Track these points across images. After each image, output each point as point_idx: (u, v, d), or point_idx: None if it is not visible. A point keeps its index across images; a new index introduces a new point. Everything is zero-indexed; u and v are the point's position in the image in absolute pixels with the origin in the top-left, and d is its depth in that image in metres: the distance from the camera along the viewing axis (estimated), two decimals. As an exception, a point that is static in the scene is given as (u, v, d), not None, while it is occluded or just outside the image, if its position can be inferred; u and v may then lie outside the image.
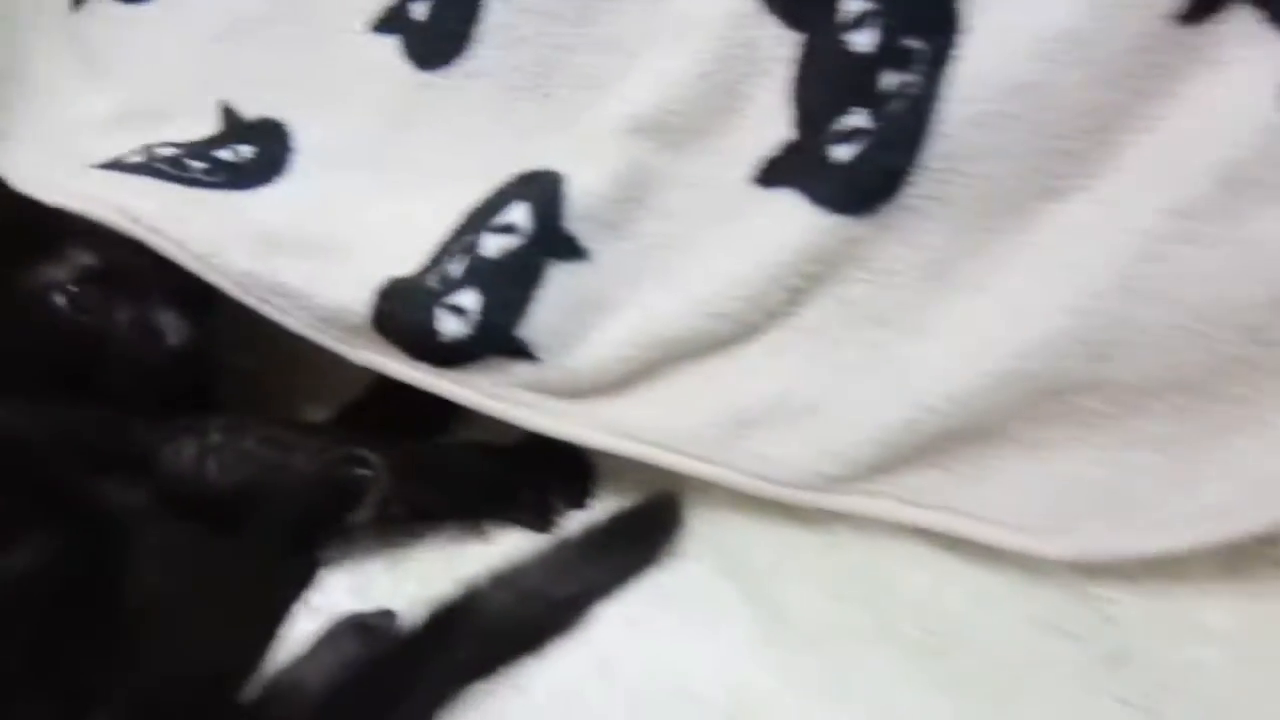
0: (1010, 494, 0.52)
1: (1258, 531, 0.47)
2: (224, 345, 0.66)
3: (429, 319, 0.58)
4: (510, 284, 0.58)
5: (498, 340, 0.58)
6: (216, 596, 0.45)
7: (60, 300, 0.59)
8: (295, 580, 0.47)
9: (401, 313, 0.58)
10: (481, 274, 0.58)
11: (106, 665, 0.40)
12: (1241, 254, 0.47)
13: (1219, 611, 0.49)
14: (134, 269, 0.60)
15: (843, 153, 0.54)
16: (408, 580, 0.61)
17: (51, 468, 0.46)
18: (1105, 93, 0.49)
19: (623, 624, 0.57)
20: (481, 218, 0.61)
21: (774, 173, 0.56)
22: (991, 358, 0.50)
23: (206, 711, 0.44)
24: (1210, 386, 0.49)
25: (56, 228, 0.59)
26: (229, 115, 0.71)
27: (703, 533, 0.60)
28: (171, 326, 0.60)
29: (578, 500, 0.64)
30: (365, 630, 0.55)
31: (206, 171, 0.66)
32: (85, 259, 0.60)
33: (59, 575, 0.41)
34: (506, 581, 0.56)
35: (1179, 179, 0.48)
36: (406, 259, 0.61)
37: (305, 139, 0.68)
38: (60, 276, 0.59)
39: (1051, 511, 0.52)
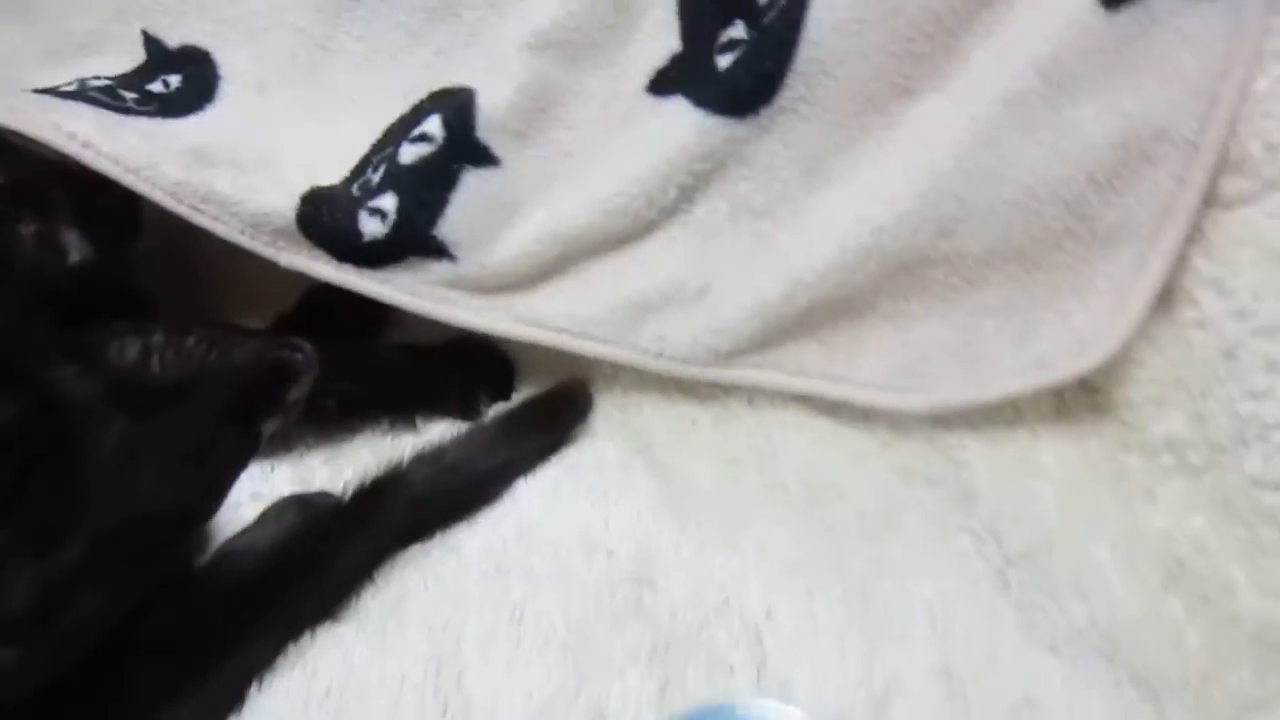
0: (876, 360, 0.59)
1: (1078, 377, 0.54)
2: (149, 269, 0.71)
3: (352, 222, 0.63)
4: (425, 188, 0.63)
5: (417, 240, 0.63)
6: (167, 458, 0.50)
7: None
8: (239, 448, 0.53)
9: (326, 216, 0.63)
10: (398, 179, 0.63)
11: (70, 510, 0.45)
12: (1061, 138, 0.54)
13: (1050, 451, 0.57)
14: (42, 189, 0.63)
15: (725, 61, 0.60)
16: (345, 470, 0.67)
17: (7, 349, 0.51)
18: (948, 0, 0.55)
19: (542, 495, 0.63)
20: (399, 131, 0.66)
21: (664, 81, 0.62)
22: (853, 235, 0.57)
23: (159, 554, 0.50)
24: (1039, 256, 0.56)
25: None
26: (151, 44, 0.74)
27: (611, 415, 0.67)
28: (74, 245, 0.63)
29: (501, 393, 0.70)
30: (305, 505, 0.61)
31: (138, 101, 0.70)
32: None
33: (25, 433, 0.46)
34: (430, 458, 0.62)
35: (1010, 74, 0.54)
36: (331, 172, 0.65)
37: (230, 66, 0.72)
38: None
39: (911, 373, 0.59)
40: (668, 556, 0.59)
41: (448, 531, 0.62)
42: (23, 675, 0.44)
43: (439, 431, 0.68)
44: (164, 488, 0.49)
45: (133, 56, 0.74)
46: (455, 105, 0.65)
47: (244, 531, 0.58)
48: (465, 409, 0.68)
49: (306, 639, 0.55)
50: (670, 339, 0.62)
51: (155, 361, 0.61)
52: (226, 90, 0.72)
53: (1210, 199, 0.53)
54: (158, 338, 0.62)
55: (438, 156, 0.64)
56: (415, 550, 0.61)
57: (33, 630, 0.44)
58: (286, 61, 0.71)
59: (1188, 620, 0.51)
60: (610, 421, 0.66)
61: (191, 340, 0.62)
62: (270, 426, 0.55)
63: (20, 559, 0.43)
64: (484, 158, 0.64)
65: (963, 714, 0.51)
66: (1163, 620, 0.52)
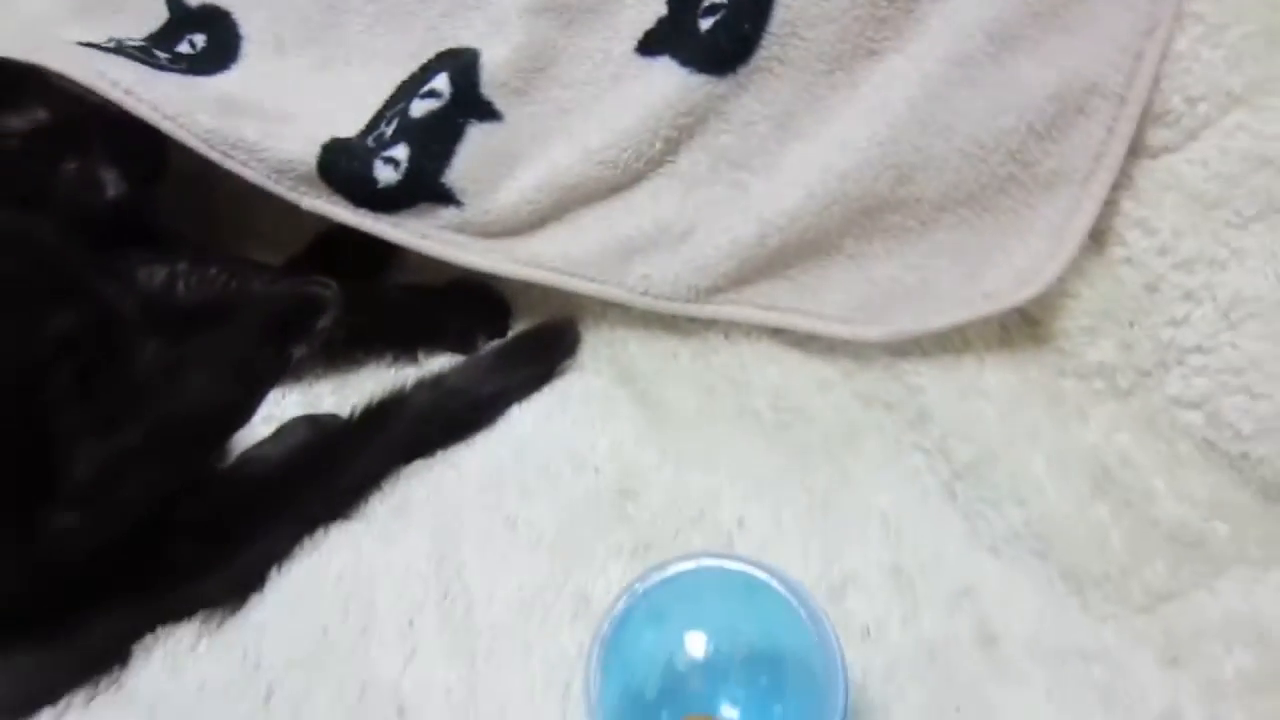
0: (841, 296, 0.65)
1: (1018, 307, 0.61)
2: (172, 210, 0.76)
3: (368, 170, 0.68)
4: (434, 139, 0.69)
5: (427, 186, 0.69)
6: (211, 369, 0.56)
7: (14, 146, 0.66)
8: (271, 367, 0.59)
9: (344, 164, 0.68)
10: (410, 131, 0.69)
11: (126, 405, 0.51)
12: (1004, 93, 0.60)
13: (994, 375, 0.62)
14: (83, 129, 0.68)
15: (706, 24, 0.66)
16: (351, 398, 0.72)
17: (67, 261, 0.57)
18: (907, -32, 0.61)
19: (535, 422, 0.69)
20: (410, 88, 0.72)
21: (652, 42, 0.68)
22: (820, 182, 0.63)
23: (199, 450, 0.56)
24: (987, 200, 0.62)
25: (18, 84, 0.66)
26: (173, 2, 0.79)
27: (600, 350, 0.72)
28: (111, 181, 0.68)
29: (498, 331, 0.75)
30: (315, 422, 0.67)
31: (170, 61, 0.76)
32: (41, 115, 0.67)
33: (84, 337, 0.52)
34: (431, 383, 0.68)
35: (961, 35, 0.60)
36: (348, 125, 0.71)
37: (250, 25, 0.77)
38: (18, 126, 0.67)
39: (872, 307, 0.65)
40: (649, 474, 0.65)
41: (447, 450, 0.67)
42: (80, 537, 0.50)
43: (438, 365, 0.74)
44: (208, 393, 0.55)
45: (156, 15, 0.79)
46: (461, 64, 0.71)
47: (261, 443, 0.64)
48: (464, 345, 0.74)
49: (320, 534, 0.61)
50: (655, 278, 0.68)
51: (180, 287, 0.67)
52: (248, 50, 0.77)
53: (1138, 148, 0.60)
54: (182, 266, 0.68)
55: (445, 111, 0.70)
56: (418, 466, 0.66)
57: (92, 499, 0.50)
58: (301, 23, 0.76)
59: (1112, 523, 0.58)
60: (598, 357, 0.72)
61: (213, 270, 0.68)
62: (299, 351, 0.61)
63: (85, 439, 0.50)
64: (488, 113, 0.70)
65: (909, 603, 0.57)
66: (1090, 523, 0.58)
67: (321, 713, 0.54)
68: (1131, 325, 0.60)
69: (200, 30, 0.78)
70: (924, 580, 0.58)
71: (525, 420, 0.69)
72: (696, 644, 0.50)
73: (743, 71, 0.65)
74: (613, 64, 0.69)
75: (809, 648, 0.50)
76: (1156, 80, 0.58)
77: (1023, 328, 0.63)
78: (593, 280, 0.69)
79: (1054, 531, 0.58)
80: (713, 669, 0.51)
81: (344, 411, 0.69)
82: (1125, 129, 0.59)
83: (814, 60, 0.64)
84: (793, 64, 0.65)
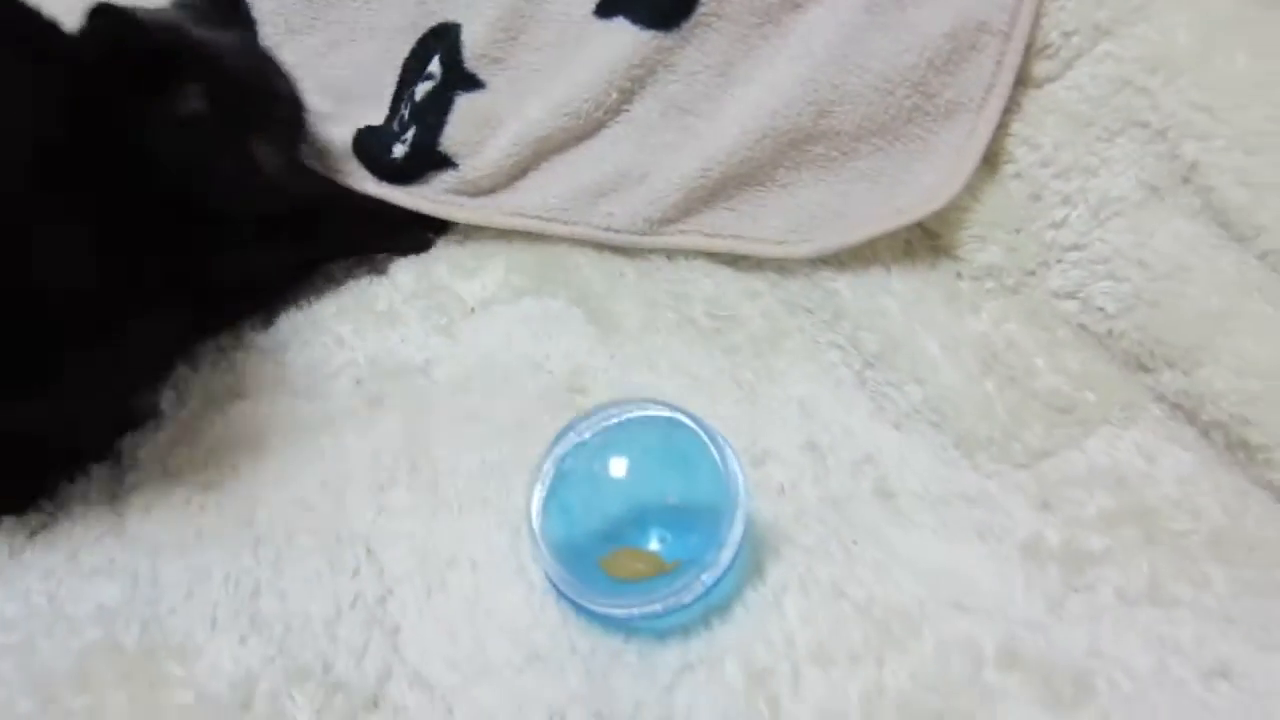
0: (776, 221, 0.74)
1: (921, 219, 0.69)
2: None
3: (389, 150, 0.80)
4: (430, 113, 0.80)
5: (428, 155, 0.79)
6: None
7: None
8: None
9: (371, 145, 0.80)
10: (416, 114, 0.80)
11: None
12: (907, 34, 0.69)
13: (898, 279, 0.70)
14: (235, 109, 0.72)
15: (654, -17, 0.76)
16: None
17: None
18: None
19: (498, 338, 0.76)
20: (414, 70, 0.82)
21: (608, 5, 0.78)
22: (752, 118, 0.72)
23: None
24: (897, 130, 0.71)
25: (174, 68, 0.68)
26: None
27: (558, 276, 0.79)
28: (268, 156, 0.75)
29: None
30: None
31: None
32: (196, 103, 0.69)
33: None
34: None
35: (873, -15, 0.70)
36: (374, 114, 0.83)
37: (259, 11, 0.87)
38: (180, 112, 0.69)
39: (801, 229, 0.73)
40: (598, 375, 0.72)
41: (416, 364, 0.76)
42: None
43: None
44: None
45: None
46: (448, 44, 0.81)
47: None
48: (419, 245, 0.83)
49: (299, 420, 0.70)
50: (617, 214, 0.76)
51: None
52: (265, 33, 0.88)
53: (1025, 79, 0.69)
54: None
55: (438, 89, 0.80)
56: (390, 371, 0.74)
57: None
58: (305, 5, 0.86)
59: (997, 396, 0.65)
60: (556, 281, 0.79)
61: None
62: None
63: None
64: (473, 84, 0.80)
65: (820, 468, 0.64)
66: (978, 397, 0.65)
67: (301, 553, 0.62)
68: (1018, 231, 0.68)
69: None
70: (834, 452, 0.65)
71: (490, 337, 0.76)
72: (620, 470, 0.58)
73: (686, 26, 0.75)
74: (575, 26, 0.79)
75: (723, 486, 0.57)
76: (1037, 18, 0.67)
77: (924, 240, 0.71)
78: (566, 223, 0.78)
79: (948, 405, 0.65)
80: (640, 510, 0.59)
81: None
82: (1012, 61, 0.68)
83: (746, 14, 0.74)
84: (729, 18, 0.74)
